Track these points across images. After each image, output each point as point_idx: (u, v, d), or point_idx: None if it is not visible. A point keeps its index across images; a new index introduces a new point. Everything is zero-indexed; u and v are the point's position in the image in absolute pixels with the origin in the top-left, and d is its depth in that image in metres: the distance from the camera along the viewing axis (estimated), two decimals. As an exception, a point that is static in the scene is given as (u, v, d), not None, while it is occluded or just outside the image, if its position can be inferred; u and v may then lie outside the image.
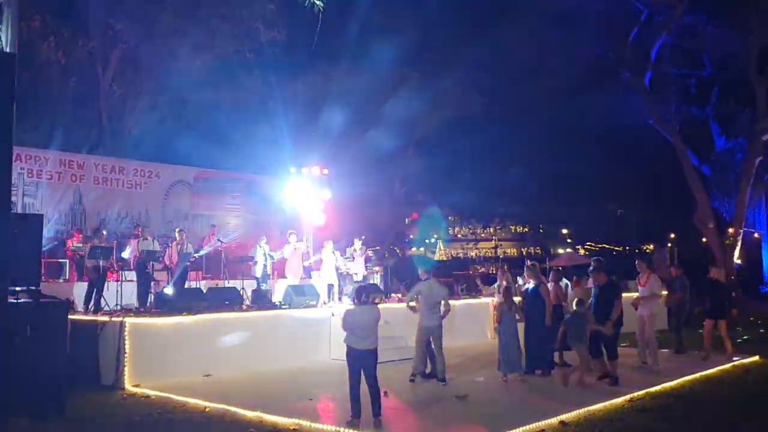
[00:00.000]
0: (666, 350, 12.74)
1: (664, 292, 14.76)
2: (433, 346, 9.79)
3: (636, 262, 12.09)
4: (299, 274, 14.75)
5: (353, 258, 15.42)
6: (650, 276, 11.51)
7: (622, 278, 16.30)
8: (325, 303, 13.52)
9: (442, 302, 9.80)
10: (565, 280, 12.27)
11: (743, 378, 10.50)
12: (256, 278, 14.99)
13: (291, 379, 10.13)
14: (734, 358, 11.83)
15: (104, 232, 14.12)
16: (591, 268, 10.40)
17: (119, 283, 12.94)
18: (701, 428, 7.26)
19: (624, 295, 10.37)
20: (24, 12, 18.21)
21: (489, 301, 15.68)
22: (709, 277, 12.82)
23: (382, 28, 28.77)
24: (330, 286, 14.37)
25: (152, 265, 13.19)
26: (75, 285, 13.30)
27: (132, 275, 13.48)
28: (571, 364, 10.57)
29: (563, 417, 7.45)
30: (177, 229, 14.50)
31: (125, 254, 13.94)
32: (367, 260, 15.86)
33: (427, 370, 10.00)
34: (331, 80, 28.52)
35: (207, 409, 8.05)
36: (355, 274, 15.25)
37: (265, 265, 15.04)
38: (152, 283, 13.24)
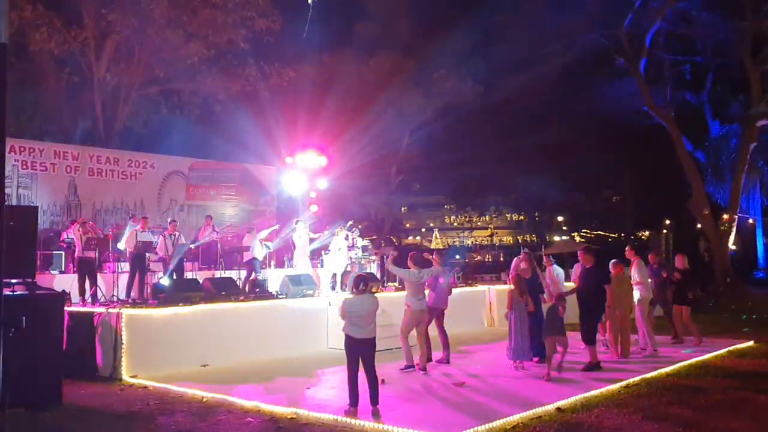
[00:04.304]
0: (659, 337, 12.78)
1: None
2: (417, 334, 9.84)
3: (626, 248, 12.13)
4: (306, 263, 14.71)
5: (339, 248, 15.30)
6: (634, 262, 11.55)
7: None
8: (333, 292, 13.51)
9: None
10: (557, 267, 12.32)
11: (739, 362, 10.56)
12: (254, 268, 14.96)
13: (288, 369, 10.14)
14: (703, 342, 11.94)
15: (90, 223, 14.06)
16: (582, 249, 10.44)
17: (115, 274, 12.91)
18: (696, 412, 7.30)
19: None
20: (15, 1, 18.09)
21: (485, 288, 15.75)
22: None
23: (376, 16, 28.72)
24: (334, 275, 14.31)
25: (148, 255, 13.16)
26: (70, 276, 13.27)
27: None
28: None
29: (560, 403, 7.50)
30: (169, 220, 14.47)
31: (121, 245, 13.92)
32: (363, 249, 15.79)
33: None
34: (326, 69, 28.47)
35: (204, 399, 8.06)
36: (354, 263, 15.14)
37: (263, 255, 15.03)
38: (147, 275, 13.22)
